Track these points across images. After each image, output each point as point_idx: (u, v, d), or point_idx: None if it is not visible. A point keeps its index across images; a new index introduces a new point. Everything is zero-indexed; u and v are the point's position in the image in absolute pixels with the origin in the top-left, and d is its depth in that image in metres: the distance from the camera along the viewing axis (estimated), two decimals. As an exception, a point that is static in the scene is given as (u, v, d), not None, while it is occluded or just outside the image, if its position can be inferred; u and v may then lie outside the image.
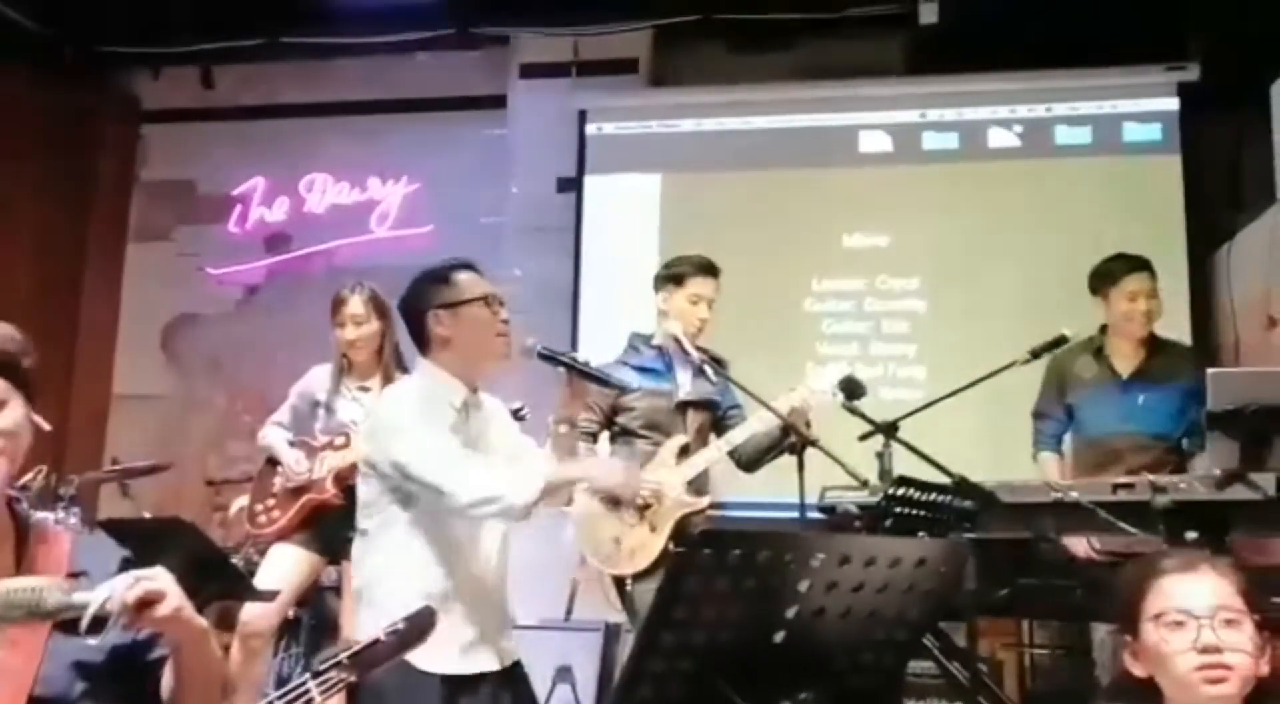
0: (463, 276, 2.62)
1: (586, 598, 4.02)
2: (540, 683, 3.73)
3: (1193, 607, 1.75)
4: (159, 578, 1.54)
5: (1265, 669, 1.74)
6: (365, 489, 2.55)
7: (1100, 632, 3.40)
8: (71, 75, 6.29)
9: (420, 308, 2.60)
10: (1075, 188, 5.16)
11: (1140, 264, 3.81)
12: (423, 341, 2.61)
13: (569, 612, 4.31)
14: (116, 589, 1.50)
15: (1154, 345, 3.84)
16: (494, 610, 2.57)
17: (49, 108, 6.24)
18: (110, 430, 6.45)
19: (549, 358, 2.59)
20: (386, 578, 2.49)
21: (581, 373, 2.62)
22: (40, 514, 3.50)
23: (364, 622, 2.47)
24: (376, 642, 1.68)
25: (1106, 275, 3.82)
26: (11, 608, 1.46)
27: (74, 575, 1.62)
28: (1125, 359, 3.83)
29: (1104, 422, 3.80)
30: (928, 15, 5.20)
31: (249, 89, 6.48)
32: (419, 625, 1.74)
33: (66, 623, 1.54)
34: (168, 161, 6.68)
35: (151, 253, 6.62)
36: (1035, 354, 3.45)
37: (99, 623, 1.53)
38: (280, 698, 1.60)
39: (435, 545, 2.48)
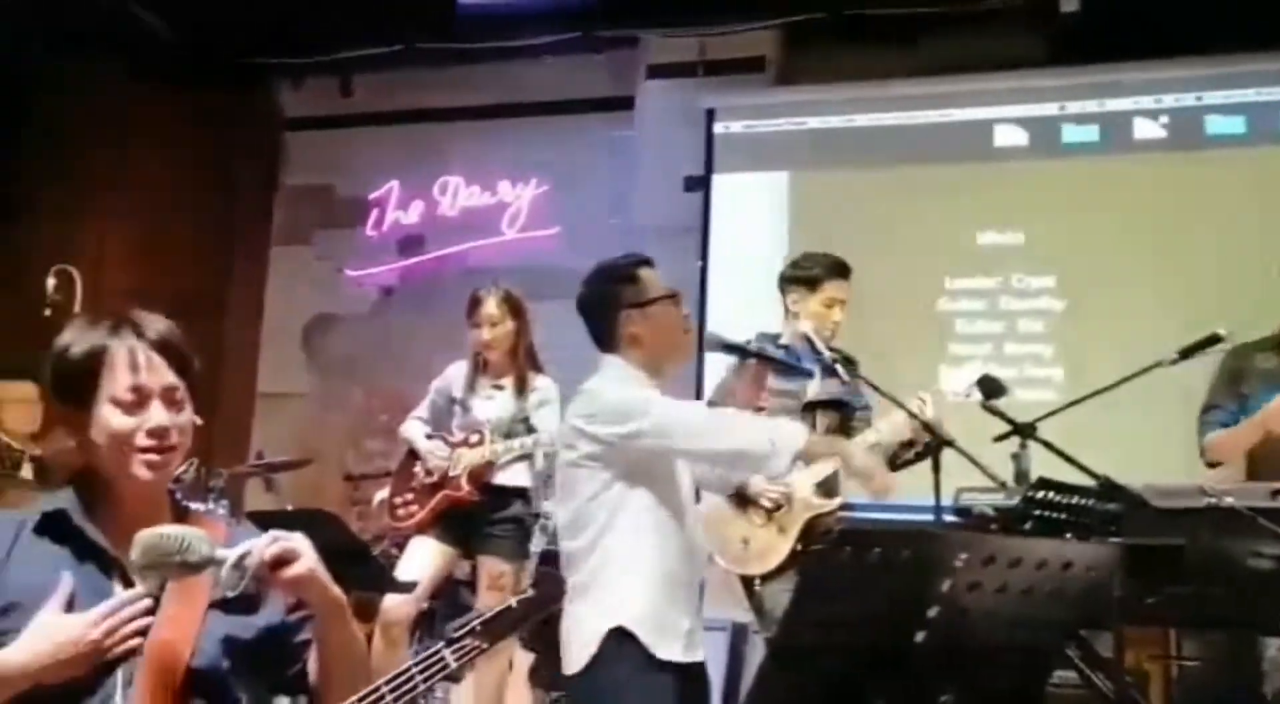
0: (647, 273, 2.65)
1: (714, 597, 4.01)
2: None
3: None
4: (295, 539, 1.60)
5: None
6: (588, 483, 2.53)
7: (1272, 648, 3.23)
8: (218, 87, 6.58)
9: (609, 306, 2.63)
10: (1227, 181, 4.93)
11: None
12: (610, 340, 2.63)
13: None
14: (256, 546, 1.56)
15: None
16: (696, 599, 2.60)
17: (197, 118, 6.54)
18: (255, 427, 6.70)
19: (734, 348, 2.63)
20: (613, 567, 2.50)
21: (769, 361, 2.64)
22: (193, 506, 3.65)
23: (584, 616, 2.47)
24: (508, 608, 1.71)
25: None
26: (159, 553, 1.51)
27: None
28: None
29: None
30: (1069, 4, 5.04)
31: (385, 96, 6.66)
32: (548, 593, 1.77)
33: (223, 601, 1.60)
34: (308, 167, 6.92)
35: (293, 256, 6.87)
36: (1184, 354, 3.29)
37: (244, 600, 1.59)
38: (417, 665, 1.65)
39: (658, 533, 2.51)
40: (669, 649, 2.39)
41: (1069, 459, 2.75)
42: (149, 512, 1.70)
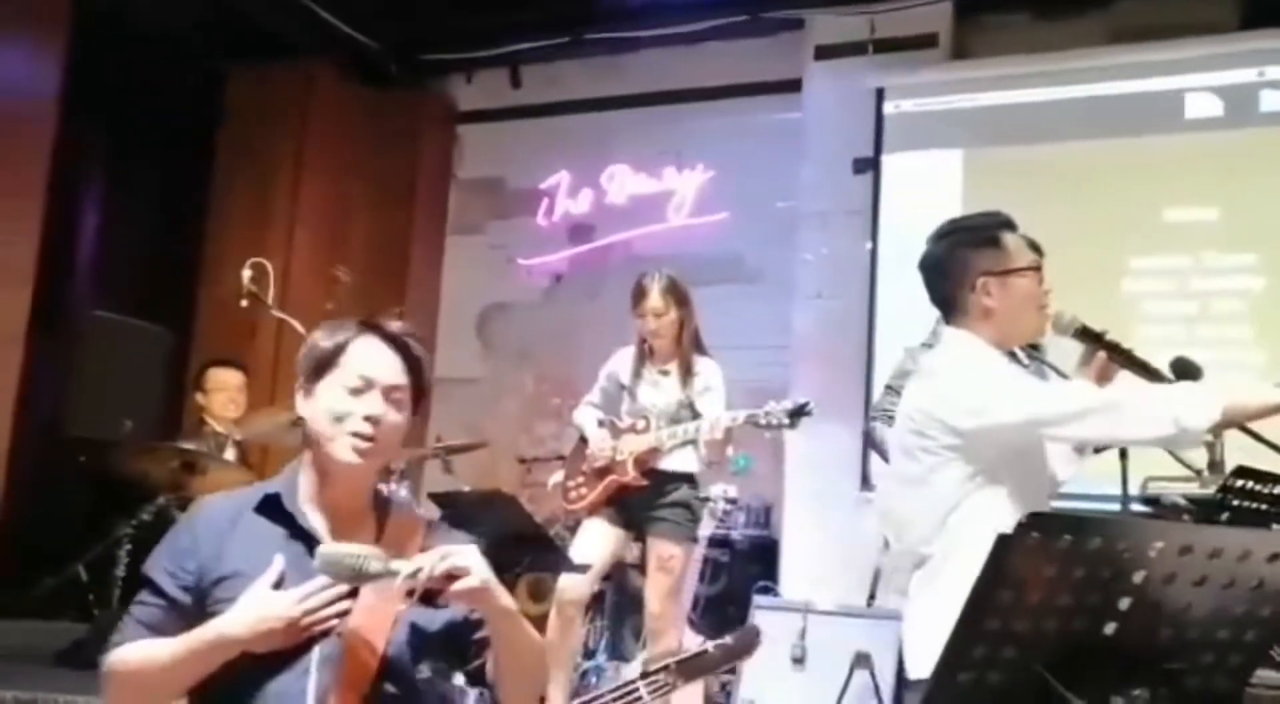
0: (1010, 240, 2.34)
1: (889, 585, 3.95)
2: (838, 669, 3.71)
3: None
4: (467, 555, 1.67)
5: None
6: (945, 474, 2.23)
7: None
8: (396, 83, 6.84)
9: (963, 273, 2.30)
10: None
11: None
12: (958, 310, 2.33)
13: (871, 598, 4.25)
14: (427, 561, 1.64)
15: None
16: None
17: (377, 113, 6.82)
18: (433, 411, 6.95)
19: (1089, 336, 2.37)
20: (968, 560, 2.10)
21: (1124, 357, 2.37)
22: (390, 491, 3.83)
23: (928, 606, 2.20)
24: (704, 652, 1.76)
25: None
26: (338, 567, 1.62)
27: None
28: None
29: None
30: (1265, -39, 4.72)
31: (553, 87, 6.79)
32: (746, 642, 1.81)
33: (412, 593, 1.69)
34: (481, 159, 7.12)
35: (467, 245, 7.08)
36: None
37: (429, 594, 1.68)
38: (612, 696, 1.71)
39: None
40: None
41: (1271, 445, 2.59)
42: (353, 503, 1.84)
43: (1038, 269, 2.32)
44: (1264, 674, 2.69)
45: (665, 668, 1.74)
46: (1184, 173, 5.07)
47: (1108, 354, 2.34)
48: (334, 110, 6.67)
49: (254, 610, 1.67)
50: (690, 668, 1.75)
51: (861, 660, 4.72)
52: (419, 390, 1.86)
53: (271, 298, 4.41)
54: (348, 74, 6.72)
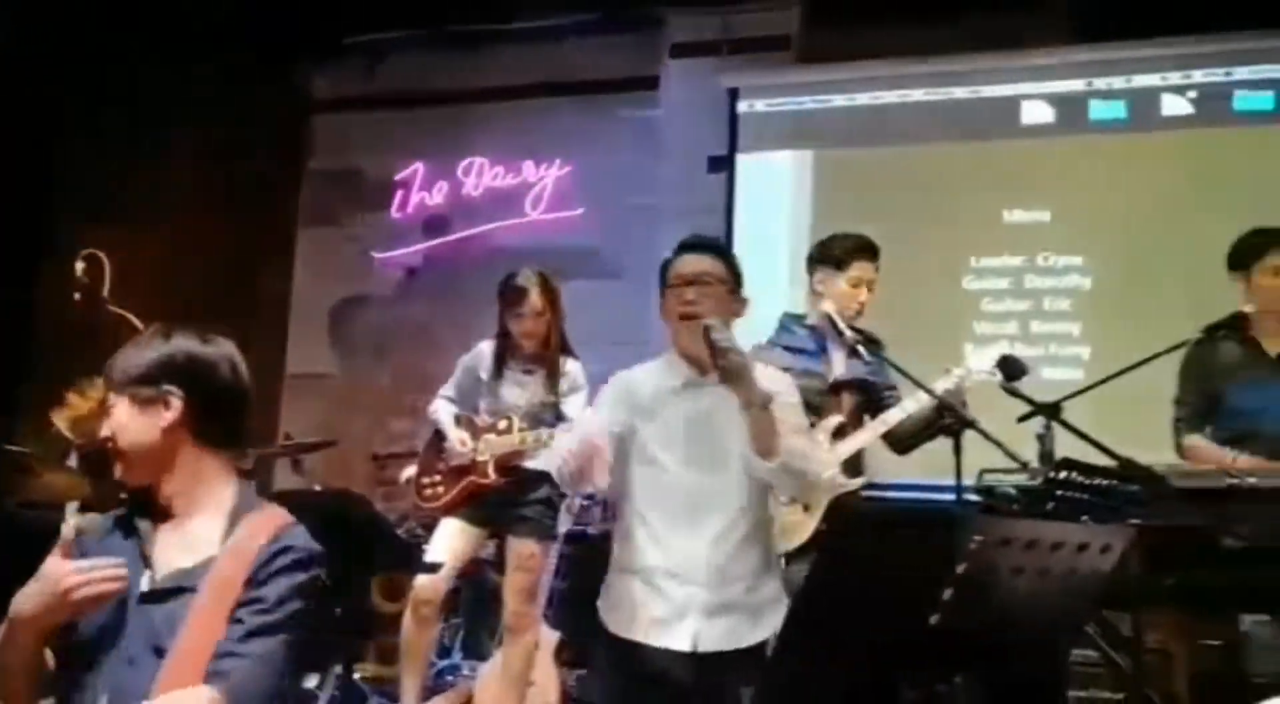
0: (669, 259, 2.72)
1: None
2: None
3: None
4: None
5: None
6: None
7: (1246, 623, 3.22)
8: (246, 68, 6.61)
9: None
10: (1256, 157, 4.87)
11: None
12: None
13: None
14: None
15: None
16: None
17: (226, 100, 6.57)
18: (283, 408, 6.77)
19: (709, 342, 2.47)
20: None
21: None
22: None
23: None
24: None
25: (1246, 252, 3.58)
26: None
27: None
28: (1275, 338, 3.57)
29: (1254, 406, 3.54)
30: (1096, -22, 4.98)
31: (409, 77, 6.68)
32: None
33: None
34: (335, 150, 6.95)
35: (321, 238, 6.91)
36: (1210, 332, 3.29)
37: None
38: None
39: None
40: None
41: (1090, 440, 2.75)
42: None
43: (677, 285, 2.61)
44: (1080, 653, 2.85)
45: None
46: (1021, 177, 5.31)
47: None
48: (178, 94, 6.40)
49: (33, 583, 1.70)
50: None
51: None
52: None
53: (108, 293, 4.23)
54: (192, 57, 6.46)
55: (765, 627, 2.44)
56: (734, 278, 2.67)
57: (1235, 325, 3.57)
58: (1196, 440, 3.59)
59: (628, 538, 2.57)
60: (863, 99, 5.59)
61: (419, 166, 6.63)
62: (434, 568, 3.81)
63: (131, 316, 4.08)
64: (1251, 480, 2.65)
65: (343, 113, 6.93)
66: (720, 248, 2.77)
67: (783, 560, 3.49)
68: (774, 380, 2.60)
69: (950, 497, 3.29)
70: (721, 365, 2.42)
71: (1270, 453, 3.36)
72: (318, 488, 4.68)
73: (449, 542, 3.94)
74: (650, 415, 2.57)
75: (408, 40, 6.45)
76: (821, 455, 2.39)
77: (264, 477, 5.56)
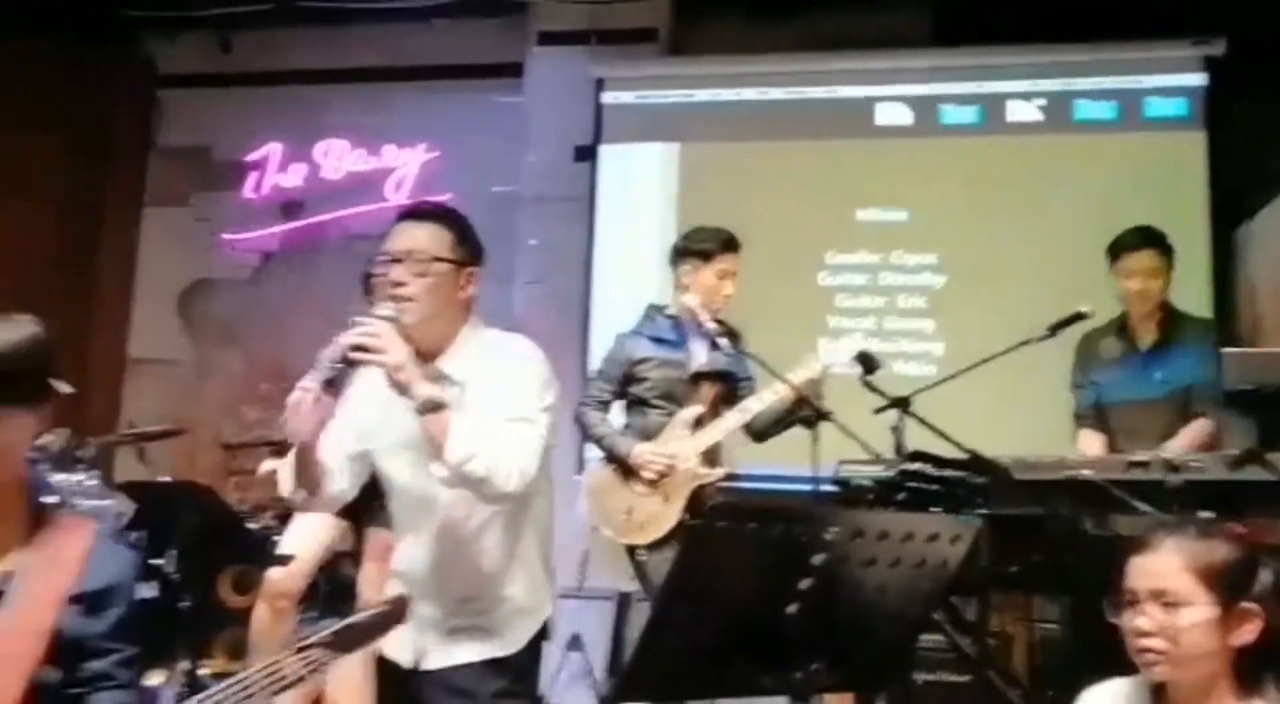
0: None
1: (600, 566, 4.04)
2: (552, 651, 3.76)
3: (1135, 587, 1.76)
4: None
5: (1240, 641, 1.71)
6: None
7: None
8: (89, 39, 6.28)
9: None
10: (1097, 163, 5.11)
11: (1142, 242, 3.79)
12: None
13: (581, 581, 4.33)
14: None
15: (1171, 319, 3.84)
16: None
17: (66, 71, 6.24)
18: (126, 394, 6.49)
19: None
20: None
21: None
22: (60, 477, 3.54)
23: None
24: (355, 624, 1.73)
25: (1111, 251, 3.83)
26: None
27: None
28: (1145, 333, 3.84)
29: (1124, 395, 3.81)
30: (950, -16, 5.13)
31: (266, 54, 6.46)
32: (397, 609, 1.80)
33: None
34: (184, 127, 6.67)
35: (168, 218, 6.63)
36: (1054, 330, 3.45)
37: None
38: (260, 673, 1.66)
39: None
40: None
41: (939, 432, 2.85)
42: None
43: (385, 262, 2.30)
44: (928, 637, 2.95)
45: (318, 643, 1.71)
46: (875, 176, 5.44)
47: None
48: (14, 65, 6.04)
49: None
50: (344, 640, 1.72)
51: (574, 642, 4.83)
52: None
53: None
54: (32, 25, 6.10)
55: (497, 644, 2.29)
56: (462, 251, 2.29)
57: (1119, 319, 3.82)
58: (1084, 434, 3.85)
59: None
60: (726, 94, 5.64)
61: (275, 146, 6.41)
62: (284, 560, 3.71)
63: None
64: (1087, 472, 2.78)
65: (193, 88, 6.65)
66: (441, 214, 2.35)
67: (643, 550, 3.55)
68: (512, 356, 2.31)
69: (808, 487, 3.38)
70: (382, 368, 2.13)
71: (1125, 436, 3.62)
72: (164, 479, 4.49)
73: (304, 534, 3.83)
74: (393, 409, 2.25)
75: (264, 15, 6.22)
76: (525, 461, 2.15)
77: (106, 467, 5.31)
